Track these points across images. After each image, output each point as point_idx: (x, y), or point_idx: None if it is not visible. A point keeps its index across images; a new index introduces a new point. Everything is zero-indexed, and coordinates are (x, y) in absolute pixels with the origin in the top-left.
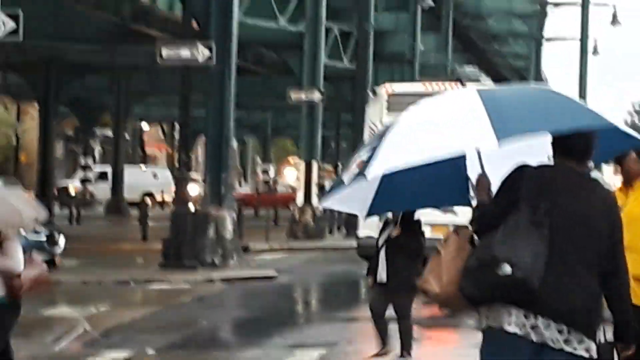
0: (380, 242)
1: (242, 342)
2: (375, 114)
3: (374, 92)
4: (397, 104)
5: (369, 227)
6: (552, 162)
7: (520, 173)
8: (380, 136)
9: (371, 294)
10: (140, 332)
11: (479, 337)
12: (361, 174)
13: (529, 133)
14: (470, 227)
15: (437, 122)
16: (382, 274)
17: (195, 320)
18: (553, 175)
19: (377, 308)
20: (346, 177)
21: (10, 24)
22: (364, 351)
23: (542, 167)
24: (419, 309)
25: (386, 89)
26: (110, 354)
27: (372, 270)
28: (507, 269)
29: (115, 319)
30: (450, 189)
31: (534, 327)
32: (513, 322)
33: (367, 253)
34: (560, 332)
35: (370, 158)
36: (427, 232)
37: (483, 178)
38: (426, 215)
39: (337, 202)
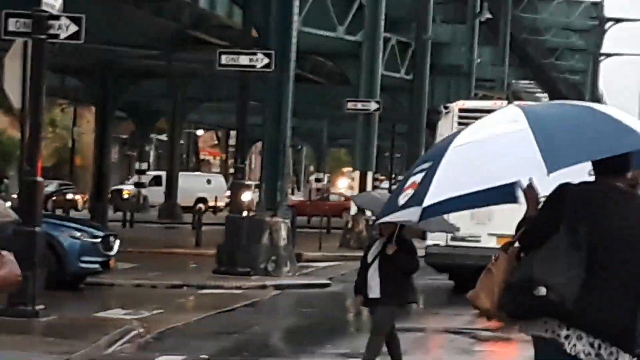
0: (370, 258)
1: (295, 350)
2: (447, 128)
3: (446, 108)
4: (468, 119)
5: (437, 237)
6: (592, 179)
7: (561, 193)
8: (435, 157)
9: (369, 311)
10: (193, 336)
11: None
12: (415, 201)
13: (576, 163)
14: (517, 243)
15: (487, 151)
16: (375, 290)
17: (248, 327)
18: (593, 193)
19: (375, 326)
20: (401, 199)
21: (73, 27)
22: None
23: (582, 186)
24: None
25: (457, 104)
26: (164, 358)
27: (360, 288)
28: (542, 291)
29: (169, 322)
30: (499, 189)
31: (567, 337)
32: (549, 331)
33: (434, 261)
34: (591, 345)
35: (423, 181)
36: (494, 243)
37: (532, 191)
38: (494, 228)
39: (392, 217)
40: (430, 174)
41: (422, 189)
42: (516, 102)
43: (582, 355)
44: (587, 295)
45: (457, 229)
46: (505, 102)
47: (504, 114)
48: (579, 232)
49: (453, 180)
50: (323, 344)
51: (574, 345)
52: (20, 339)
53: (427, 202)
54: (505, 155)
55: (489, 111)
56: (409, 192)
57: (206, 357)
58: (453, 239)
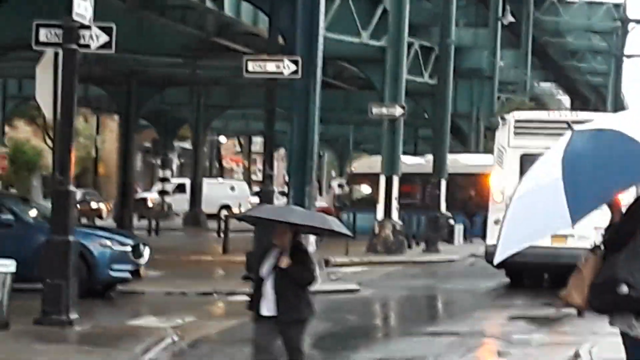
0: (265, 271)
1: (328, 355)
2: (504, 138)
3: (503, 118)
4: (523, 128)
5: (495, 236)
6: None
7: (637, 202)
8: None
9: (256, 328)
10: (227, 344)
11: None
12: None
13: (599, 206)
14: (602, 247)
15: (530, 206)
16: (270, 306)
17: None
18: None
19: (265, 342)
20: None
21: (104, 38)
22: None
23: None
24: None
25: (514, 115)
26: None
27: (255, 303)
28: (624, 289)
29: (202, 330)
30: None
31: None
32: (629, 326)
33: (492, 259)
34: None
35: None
36: (548, 242)
37: (617, 200)
38: None
39: (513, 246)
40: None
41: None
42: (572, 121)
43: None
44: None
45: None
46: (557, 111)
47: (551, 155)
48: None
49: (512, 236)
50: (356, 349)
51: None
52: (56, 348)
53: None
54: (542, 212)
55: (543, 122)
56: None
57: None
58: None
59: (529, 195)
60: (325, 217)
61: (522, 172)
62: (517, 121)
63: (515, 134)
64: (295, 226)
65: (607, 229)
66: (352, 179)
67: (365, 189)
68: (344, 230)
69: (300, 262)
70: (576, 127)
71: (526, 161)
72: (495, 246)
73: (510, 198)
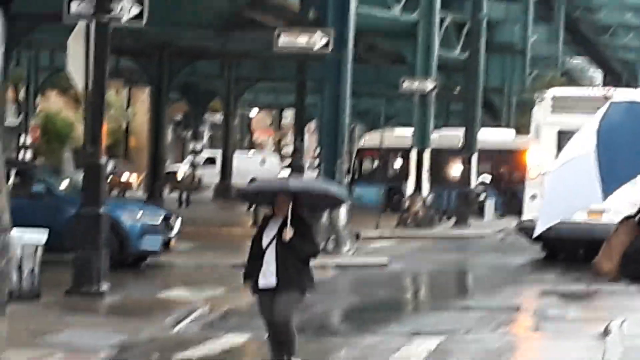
0: (265, 242)
1: (359, 328)
2: (541, 115)
3: (540, 96)
4: (560, 105)
5: (533, 210)
6: None
7: None
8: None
9: (260, 303)
10: (256, 315)
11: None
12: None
13: (630, 180)
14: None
15: (565, 180)
16: (271, 279)
17: (310, 306)
18: None
19: (272, 318)
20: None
21: (135, 9)
22: (483, 340)
23: None
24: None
25: (551, 92)
26: (229, 337)
27: (253, 275)
28: None
29: (232, 302)
30: None
31: None
32: None
33: (532, 234)
34: None
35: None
36: (584, 217)
37: None
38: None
39: (553, 218)
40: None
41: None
42: (610, 93)
43: None
44: None
45: None
46: (594, 88)
47: (588, 127)
48: None
49: (549, 210)
50: (387, 323)
51: None
52: (86, 319)
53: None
54: (575, 185)
55: (580, 98)
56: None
57: None
58: None
59: (564, 168)
60: (322, 182)
61: (559, 148)
62: (554, 98)
63: (553, 110)
64: (295, 196)
65: None
66: (360, 153)
67: (373, 163)
68: (341, 194)
69: (303, 234)
70: (614, 99)
71: (563, 138)
72: (531, 221)
73: (548, 172)
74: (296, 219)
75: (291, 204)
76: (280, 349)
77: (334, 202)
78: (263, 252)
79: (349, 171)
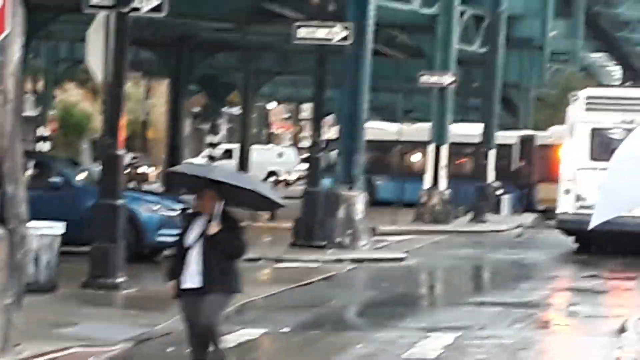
0: (191, 239)
1: (375, 323)
2: (575, 113)
3: (575, 95)
4: (594, 104)
5: (566, 205)
6: None
7: None
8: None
9: (183, 304)
10: (273, 310)
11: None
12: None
13: None
14: None
15: (625, 176)
16: (195, 278)
17: (326, 300)
18: None
19: (194, 319)
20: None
21: (155, 1)
22: (500, 336)
23: None
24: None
25: (586, 91)
26: (246, 331)
27: (175, 274)
28: None
29: (248, 296)
30: None
31: None
32: None
33: (563, 226)
34: None
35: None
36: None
37: None
38: None
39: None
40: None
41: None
42: None
43: None
44: None
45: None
46: (627, 88)
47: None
48: None
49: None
50: (403, 318)
51: None
52: (102, 311)
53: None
54: (636, 182)
55: (613, 98)
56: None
57: (287, 330)
58: (581, 207)
59: (624, 164)
60: (256, 180)
61: (592, 145)
62: (588, 97)
63: (587, 109)
64: (223, 191)
65: None
66: (328, 144)
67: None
68: (275, 197)
69: (230, 230)
70: None
71: (596, 135)
72: (566, 213)
73: (606, 167)
74: (225, 214)
75: (219, 198)
76: (202, 353)
77: (267, 205)
78: (187, 251)
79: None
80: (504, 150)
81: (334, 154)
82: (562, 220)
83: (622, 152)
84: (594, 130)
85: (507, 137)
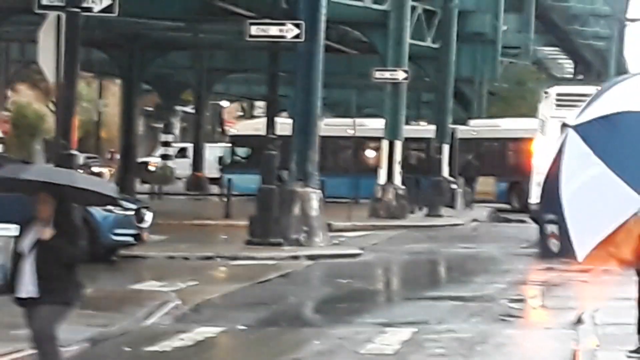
0: (27, 246)
1: (332, 319)
2: (546, 110)
3: (546, 92)
4: (565, 101)
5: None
6: None
7: None
8: (556, 209)
9: (25, 314)
10: (229, 308)
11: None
12: (567, 253)
13: None
14: None
15: (591, 202)
16: (29, 287)
17: (283, 297)
18: None
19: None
20: (552, 247)
21: (107, 1)
22: (456, 330)
23: None
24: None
25: (556, 89)
26: (202, 329)
27: (13, 283)
28: None
29: (204, 294)
30: None
31: None
32: None
33: (537, 216)
34: None
35: (561, 233)
36: None
37: None
38: None
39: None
40: (562, 229)
41: (564, 242)
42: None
43: None
44: None
45: None
46: (595, 86)
47: (574, 154)
48: None
49: (586, 232)
50: (360, 313)
51: None
52: None
53: (582, 256)
54: (605, 202)
55: (586, 95)
56: (554, 243)
57: (244, 328)
58: None
59: (581, 194)
60: (91, 178)
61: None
62: (558, 94)
63: (557, 105)
64: (58, 192)
65: None
66: (235, 141)
67: (247, 151)
68: (110, 192)
69: (65, 234)
70: (569, 122)
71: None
72: (538, 204)
73: (558, 202)
74: (60, 217)
75: (53, 200)
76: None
77: (102, 200)
78: (23, 259)
79: (220, 160)
80: (424, 143)
81: (224, 148)
82: (534, 210)
83: (573, 182)
84: (563, 125)
85: (427, 130)
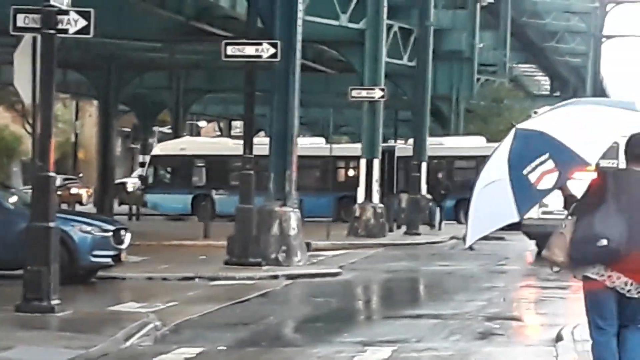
0: None
1: (312, 339)
2: None
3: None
4: None
5: (532, 211)
6: (622, 166)
7: (605, 175)
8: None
9: None
10: (209, 328)
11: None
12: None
13: (541, 200)
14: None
15: (487, 200)
16: None
17: (263, 317)
18: (626, 175)
19: None
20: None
21: (82, 22)
22: (437, 348)
23: (618, 170)
24: None
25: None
26: (182, 350)
27: None
28: (604, 242)
29: (184, 315)
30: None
31: (609, 277)
32: (595, 273)
33: (527, 230)
34: (625, 283)
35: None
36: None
37: (565, 186)
38: None
39: (479, 232)
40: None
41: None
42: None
43: (619, 289)
44: (629, 245)
45: None
46: None
47: (500, 153)
48: (622, 200)
49: (477, 225)
50: (340, 333)
51: (613, 282)
52: (38, 334)
53: (467, 244)
54: (495, 205)
55: None
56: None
57: (224, 348)
58: (543, 213)
59: (485, 191)
60: None
61: None
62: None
63: None
64: None
65: (566, 202)
66: (157, 161)
67: (170, 171)
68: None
69: None
70: (519, 125)
71: None
72: (531, 219)
73: (471, 191)
74: None
75: None
76: None
77: None
78: None
79: (143, 179)
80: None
81: (145, 168)
82: (526, 224)
83: (484, 179)
84: None
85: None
